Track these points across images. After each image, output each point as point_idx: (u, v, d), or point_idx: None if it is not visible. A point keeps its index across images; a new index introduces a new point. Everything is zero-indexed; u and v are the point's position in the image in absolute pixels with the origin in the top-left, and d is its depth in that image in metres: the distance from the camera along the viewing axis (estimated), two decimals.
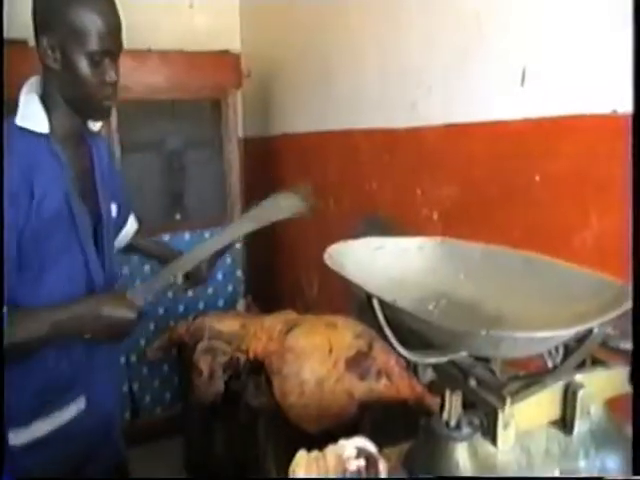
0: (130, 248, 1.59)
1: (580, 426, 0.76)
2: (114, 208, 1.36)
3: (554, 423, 0.78)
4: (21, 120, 1.13)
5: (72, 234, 1.18)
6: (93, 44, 1.11)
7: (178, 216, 2.73)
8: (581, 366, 0.78)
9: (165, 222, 2.68)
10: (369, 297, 0.67)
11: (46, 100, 1.16)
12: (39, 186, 1.10)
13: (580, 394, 0.75)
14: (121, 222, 1.48)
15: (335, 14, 2.14)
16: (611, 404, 0.80)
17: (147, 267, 2.45)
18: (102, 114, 1.24)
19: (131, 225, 1.55)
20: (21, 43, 2.23)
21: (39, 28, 1.13)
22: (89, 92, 1.15)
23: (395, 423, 1.40)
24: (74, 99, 1.17)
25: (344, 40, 2.09)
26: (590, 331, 0.66)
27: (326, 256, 0.81)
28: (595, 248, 1.19)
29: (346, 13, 2.05)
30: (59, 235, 1.15)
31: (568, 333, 0.62)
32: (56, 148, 1.15)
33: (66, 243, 1.17)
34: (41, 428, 1.19)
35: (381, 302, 0.67)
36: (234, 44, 2.95)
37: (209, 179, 2.76)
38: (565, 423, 0.77)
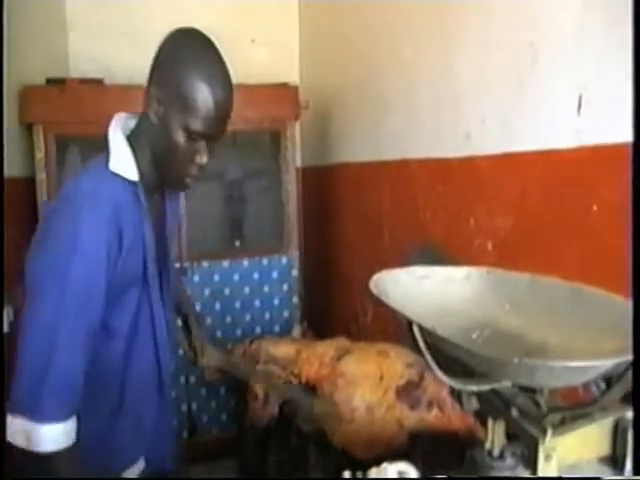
0: None
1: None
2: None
3: (605, 459, 0.76)
4: (114, 165, 1.05)
5: (142, 289, 1.12)
6: (196, 124, 1.02)
7: (237, 243, 2.82)
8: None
9: (225, 248, 2.78)
10: (410, 323, 0.69)
11: (134, 142, 1.08)
12: (126, 240, 1.03)
13: (631, 432, 0.73)
14: None
15: (390, 47, 2.19)
16: None
17: None
18: (179, 188, 1.16)
19: None
20: (97, 82, 2.41)
21: (153, 75, 1.05)
22: (175, 162, 1.06)
23: (448, 454, 1.38)
24: (160, 159, 1.08)
25: (399, 71, 2.13)
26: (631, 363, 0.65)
27: (371, 284, 0.83)
28: None
29: (401, 45, 2.10)
30: (131, 290, 1.10)
31: (604, 364, 0.61)
32: (142, 198, 1.07)
33: (135, 298, 1.11)
34: None
35: (421, 328, 0.69)
36: (294, 77, 3.06)
37: (268, 207, 2.84)
38: (616, 461, 0.75)
